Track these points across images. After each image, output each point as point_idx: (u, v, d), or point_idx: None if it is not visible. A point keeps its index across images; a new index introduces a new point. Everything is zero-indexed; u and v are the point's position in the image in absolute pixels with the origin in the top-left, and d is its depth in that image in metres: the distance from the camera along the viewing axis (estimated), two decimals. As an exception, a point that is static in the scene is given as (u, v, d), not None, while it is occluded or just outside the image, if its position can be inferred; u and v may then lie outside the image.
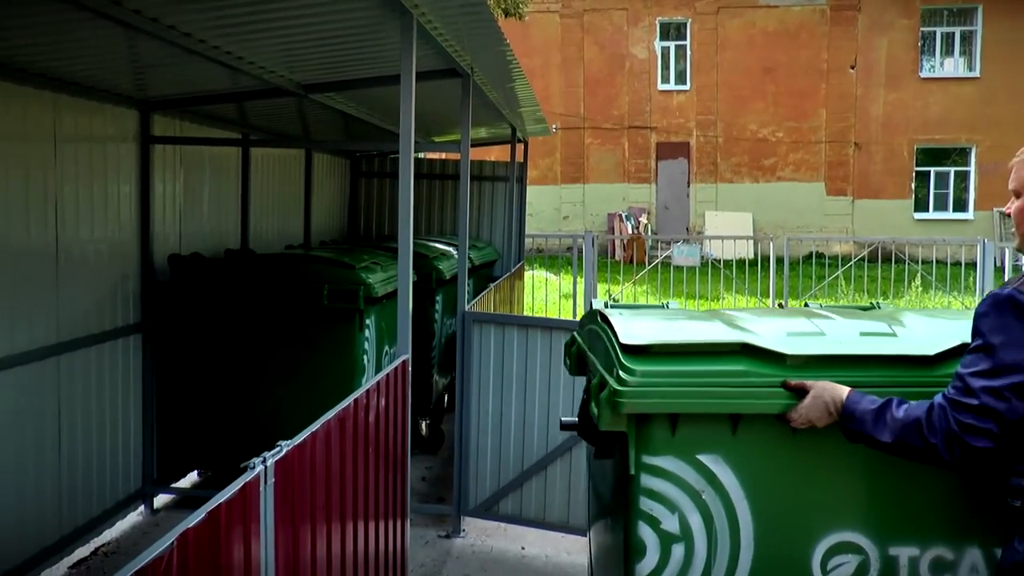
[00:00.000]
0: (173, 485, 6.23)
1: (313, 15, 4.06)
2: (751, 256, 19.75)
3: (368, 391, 3.45)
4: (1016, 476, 2.34)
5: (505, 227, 10.78)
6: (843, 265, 16.27)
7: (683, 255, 19.69)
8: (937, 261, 14.59)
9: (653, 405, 2.84)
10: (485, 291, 7.48)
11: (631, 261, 20.80)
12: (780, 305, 14.08)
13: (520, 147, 10.38)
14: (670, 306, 3.75)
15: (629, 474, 2.93)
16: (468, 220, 6.11)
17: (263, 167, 7.89)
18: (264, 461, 2.37)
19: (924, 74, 25.28)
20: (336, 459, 3.06)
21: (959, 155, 25.36)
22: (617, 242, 22.47)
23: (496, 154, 12.44)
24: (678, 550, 2.95)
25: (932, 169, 25.44)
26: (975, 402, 2.24)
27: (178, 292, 5.86)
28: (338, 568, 3.18)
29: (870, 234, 23.21)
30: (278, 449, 2.49)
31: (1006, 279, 2.28)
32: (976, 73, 25.04)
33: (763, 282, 15.25)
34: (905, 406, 2.45)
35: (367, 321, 5.74)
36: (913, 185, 25.31)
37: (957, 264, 14.35)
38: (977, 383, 2.25)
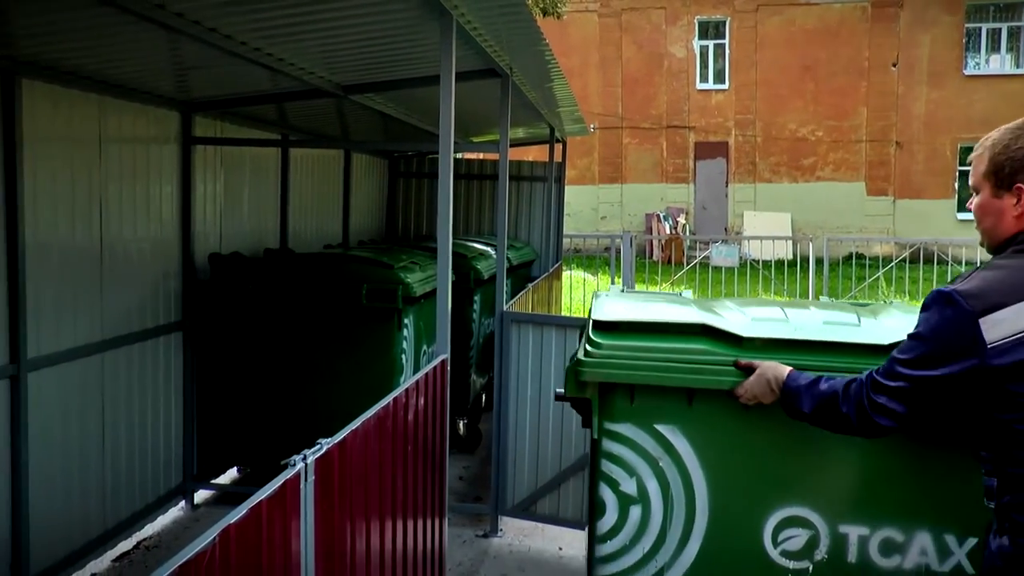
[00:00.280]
0: (213, 481, 6.31)
1: (353, 17, 4.08)
2: (790, 257, 19.58)
3: (407, 390, 3.47)
4: (986, 476, 2.37)
5: (543, 227, 10.77)
6: (884, 266, 16.10)
7: (722, 256, 19.58)
8: (980, 262, 14.31)
9: (611, 375, 3.09)
10: (523, 291, 7.48)
11: (669, 261, 20.73)
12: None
13: (558, 147, 10.36)
14: (684, 295, 3.87)
15: (593, 438, 3.19)
16: (506, 220, 6.11)
17: (302, 167, 7.95)
18: (305, 459, 2.39)
19: (969, 71, 24.87)
20: (375, 457, 3.08)
21: (1004, 155, 24.90)
22: (655, 242, 22.39)
23: (534, 154, 12.44)
24: (635, 511, 3.18)
25: (976, 169, 25.02)
26: (892, 384, 2.37)
27: (218, 291, 5.93)
28: (377, 565, 3.20)
29: (912, 235, 22.88)
30: (318, 447, 2.51)
31: None
32: None
33: (802, 283, 15.12)
34: (830, 381, 2.59)
35: (405, 320, 5.76)
36: (956, 185, 24.91)
37: (1001, 265, 14.08)
38: (900, 369, 2.36)
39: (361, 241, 9.38)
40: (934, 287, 2.41)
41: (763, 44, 25.57)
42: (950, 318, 2.25)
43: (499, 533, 5.69)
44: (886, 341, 2.90)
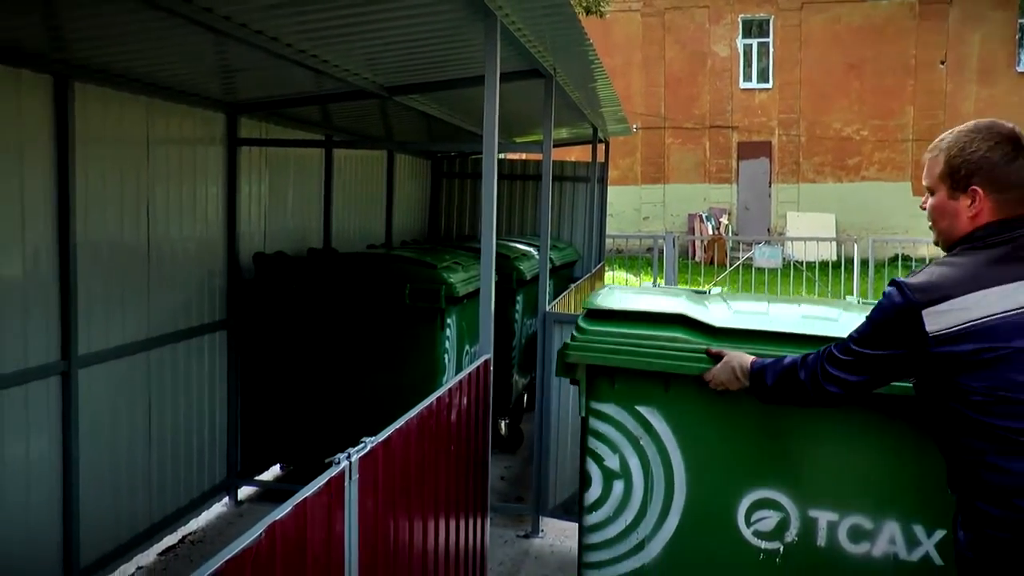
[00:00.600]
0: (256, 478, 6.37)
1: (399, 19, 4.10)
2: (834, 258, 19.38)
3: (451, 390, 3.48)
4: (948, 466, 2.49)
5: (586, 228, 10.75)
6: (931, 267, 15.80)
7: (765, 256, 19.39)
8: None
9: (592, 358, 3.38)
10: (566, 292, 7.47)
11: (711, 263, 20.59)
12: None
13: (601, 147, 10.34)
14: (712, 291, 4.05)
15: (582, 416, 3.48)
16: (549, 221, 6.10)
17: (346, 168, 8.01)
18: (349, 457, 2.41)
19: (1022, 68, 24.37)
20: (418, 456, 3.09)
21: (1056, 154, 24.41)
22: (697, 243, 22.26)
23: (576, 154, 12.43)
24: (618, 485, 3.44)
25: (1027, 168, 24.55)
26: (843, 358, 2.57)
27: (262, 290, 5.99)
28: (419, 563, 3.22)
29: (960, 235, 22.45)
30: (363, 445, 2.52)
31: None
32: (1079, 67, 24.12)
33: (846, 285, 14.96)
34: (792, 357, 2.79)
35: (448, 320, 5.78)
36: (1006, 185, 24.42)
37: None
38: (851, 345, 2.56)
39: (404, 241, 9.42)
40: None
41: (807, 42, 25.31)
42: (896, 306, 2.40)
43: (540, 534, 5.69)
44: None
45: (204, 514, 5.92)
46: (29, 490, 4.27)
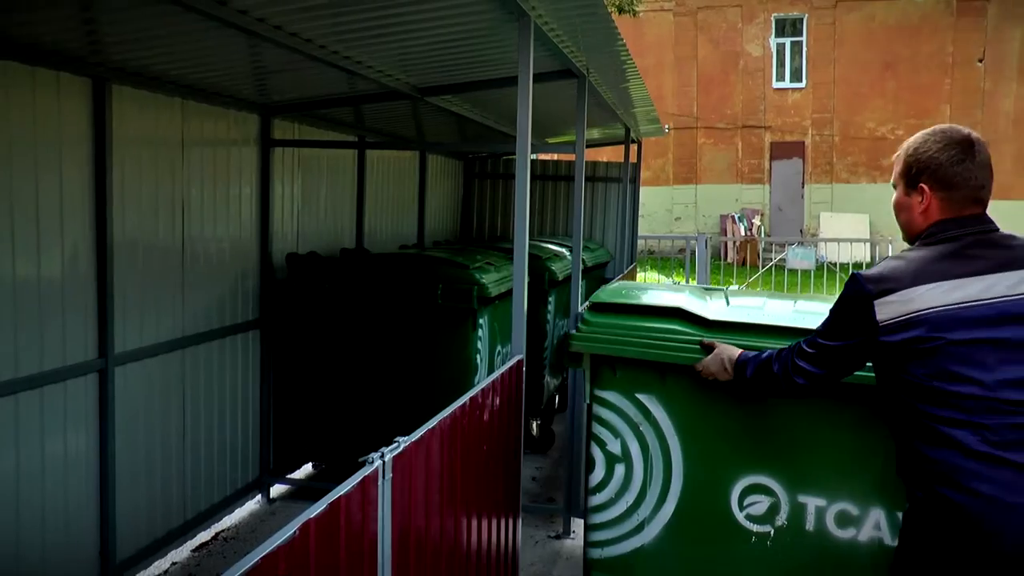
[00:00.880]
0: (288, 476, 6.41)
1: (432, 20, 4.11)
2: (868, 260, 19.18)
3: (483, 390, 3.49)
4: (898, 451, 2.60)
5: (618, 228, 10.72)
6: (968, 268, 15.59)
7: (798, 258, 19.21)
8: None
9: (593, 348, 3.61)
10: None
11: (743, 264, 20.48)
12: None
13: (633, 148, 10.30)
14: (730, 289, 4.20)
15: (586, 403, 3.70)
16: (582, 221, 6.09)
17: (378, 168, 8.05)
18: (383, 456, 2.42)
19: (1062, 66, 24.05)
20: (451, 456, 3.10)
21: (1096, 153, 24.08)
22: (730, 244, 22.14)
23: (608, 155, 12.40)
24: (620, 469, 3.65)
25: (1066, 168, 24.23)
26: (809, 351, 2.73)
27: (295, 290, 6.03)
28: (451, 562, 3.23)
29: (997, 236, 22.15)
30: (396, 445, 2.54)
31: None
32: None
33: (882, 285, 14.78)
34: (770, 351, 2.94)
35: (480, 321, 5.79)
36: (1045, 185, 24.14)
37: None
38: (816, 338, 2.72)
39: (436, 242, 9.45)
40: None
41: (842, 41, 25.08)
42: (851, 297, 2.55)
43: (571, 535, 5.68)
44: None
45: (237, 511, 5.97)
46: (67, 486, 4.33)
